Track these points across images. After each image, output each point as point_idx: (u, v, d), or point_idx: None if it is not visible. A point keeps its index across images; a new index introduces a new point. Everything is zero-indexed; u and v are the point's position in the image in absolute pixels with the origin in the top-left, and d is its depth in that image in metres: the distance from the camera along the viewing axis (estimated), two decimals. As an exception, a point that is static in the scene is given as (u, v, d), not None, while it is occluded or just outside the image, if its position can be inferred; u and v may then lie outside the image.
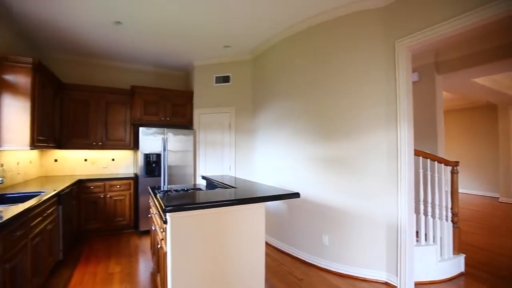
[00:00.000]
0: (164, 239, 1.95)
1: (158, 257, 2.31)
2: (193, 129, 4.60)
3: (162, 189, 3.05)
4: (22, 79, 3.02)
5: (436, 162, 2.85)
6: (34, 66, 3.06)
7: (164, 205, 1.47)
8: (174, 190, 2.86)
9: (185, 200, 1.76)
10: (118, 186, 4.16)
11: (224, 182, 2.63)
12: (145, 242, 3.88)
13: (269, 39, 3.80)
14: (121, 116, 4.50)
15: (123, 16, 3.22)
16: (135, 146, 4.57)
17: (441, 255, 2.74)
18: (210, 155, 4.50)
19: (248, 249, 1.93)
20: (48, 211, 2.62)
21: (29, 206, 2.12)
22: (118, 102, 4.48)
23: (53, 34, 3.67)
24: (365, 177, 2.72)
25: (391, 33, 2.58)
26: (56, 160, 4.40)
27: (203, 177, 3.18)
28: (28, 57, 3.02)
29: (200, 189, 2.92)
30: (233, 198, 1.76)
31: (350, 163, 2.82)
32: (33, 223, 2.24)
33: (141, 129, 4.11)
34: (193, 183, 4.49)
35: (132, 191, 4.26)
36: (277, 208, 3.62)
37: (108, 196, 4.10)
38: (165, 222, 1.76)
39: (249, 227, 1.92)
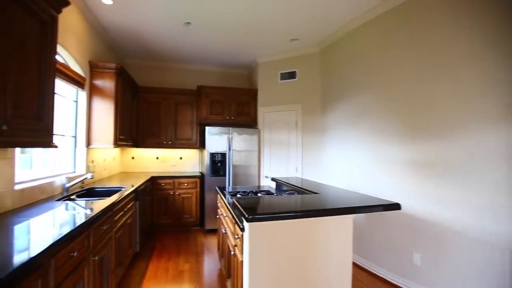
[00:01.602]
0: (238, 245, 1.80)
1: (229, 262, 2.18)
2: (257, 128, 4.47)
3: (228, 189, 2.96)
4: (107, 83, 3.28)
5: None
6: (117, 71, 3.30)
7: (246, 214, 1.29)
8: (243, 192, 2.73)
9: (267, 208, 1.56)
10: (185, 184, 4.29)
11: (299, 186, 2.38)
12: (211, 241, 3.89)
13: (343, 27, 3.41)
14: (188, 116, 4.65)
15: (192, 17, 3.25)
16: (201, 145, 4.67)
17: None
18: (275, 155, 4.31)
19: (333, 264, 1.64)
20: (128, 206, 2.76)
21: (113, 201, 2.23)
22: (186, 102, 4.64)
23: (133, 42, 3.95)
24: (474, 186, 2.15)
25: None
26: (133, 158, 4.78)
27: (273, 179, 2.99)
28: (113, 63, 3.27)
29: (271, 192, 2.73)
30: (325, 208, 1.49)
31: (452, 168, 2.27)
32: (117, 217, 2.35)
33: (207, 128, 4.16)
34: (257, 184, 4.37)
35: (198, 189, 4.35)
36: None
37: (176, 193, 4.25)
38: (242, 229, 1.60)
39: (335, 240, 1.63)
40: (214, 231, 4.17)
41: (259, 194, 2.65)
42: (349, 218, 1.66)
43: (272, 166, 4.33)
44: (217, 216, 3.01)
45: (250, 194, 2.65)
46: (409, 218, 2.56)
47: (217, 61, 4.82)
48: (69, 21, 2.72)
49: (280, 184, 2.89)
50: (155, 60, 4.77)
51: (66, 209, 1.98)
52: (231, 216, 2.04)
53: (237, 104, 4.56)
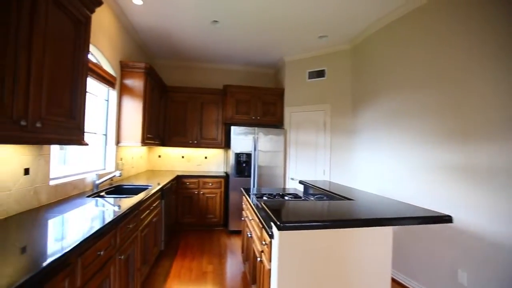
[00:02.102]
0: (265, 252, 1.70)
1: (254, 268, 2.09)
2: (283, 129, 4.35)
3: (253, 191, 2.87)
4: (136, 83, 3.34)
5: None
6: (146, 71, 3.35)
7: (278, 221, 1.19)
8: (269, 194, 2.63)
9: (300, 215, 1.45)
10: (210, 184, 4.27)
11: (330, 190, 2.23)
12: (234, 243, 3.83)
13: (378, 21, 3.20)
14: (214, 115, 4.64)
15: (219, 15, 3.21)
16: (226, 145, 4.64)
17: None
18: (302, 156, 4.16)
19: (369, 280, 1.49)
20: (154, 204, 2.77)
21: (140, 199, 2.23)
22: (211, 102, 4.64)
23: (161, 42, 4.00)
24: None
25: None
26: (159, 156, 4.86)
27: (301, 182, 2.85)
28: (142, 62, 3.32)
29: (298, 196, 2.61)
30: (367, 218, 1.35)
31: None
32: (143, 216, 2.35)
33: (232, 128, 4.11)
34: (283, 186, 4.25)
35: (222, 189, 4.32)
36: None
37: (201, 193, 4.25)
38: (271, 236, 1.50)
39: (372, 254, 1.47)
40: (237, 232, 4.11)
41: (286, 197, 2.53)
42: (388, 229, 1.50)
43: (298, 168, 4.18)
44: (242, 218, 2.93)
45: (277, 197, 2.54)
46: (455, 231, 2.31)
47: (243, 60, 4.77)
48: (101, 21, 2.79)
49: (308, 187, 2.75)
50: (182, 60, 4.82)
51: (96, 205, 2.00)
52: (257, 220, 1.95)
53: (263, 104, 4.47)
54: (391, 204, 1.69)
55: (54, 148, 2.21)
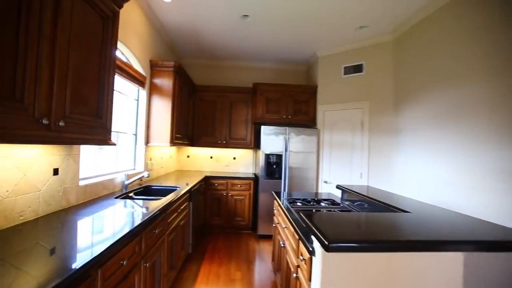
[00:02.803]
0: (302, 268, 1.49)
1: (288, 282, 1.88)
2: (316, 128, 4.08)
3: (285, 195, 2.66)
4: (165, 82, 3.29)
5: None
6: (175, 69, 3.29)
7: (326, 240, 0.98)
8: (303, 200, 2.41)
9: (350, 233, 1.21)
10: (239, 186, 4.13)
11: (375, 198, 1.95)
12: (264, 248, 3.65)
13: (425, 8, 2.81)
14: (243, 115, 4.50)
15: (250, 9, 3.04)
16: (255, 145, 4.48)
17: None
18: (336, 158, 3.86)
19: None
20: (182, 207, 2.67)
21: (168, 201, 2.13)
22: (240, 101, 4.50)
23: (190, 40, 3.94)
24: None
25: None
26: (188, 156, 4.84)
27: (338, 187, 2.59)
28: (171, 61, 3.26)
29: (336, 202, 2.35)
30: (439, 239, 1.08)
31: None
32: (170, 219, 2.25)
33: (262, 128, 3.93)
34: (315, 189, 3.98)
35: (251, 191, 4.16)
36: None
37: (229, 194, 4.13)
38: (311, 252, 1.28)
39: (436, 284, 1.19)
40: (267, 237, 3.93)
41: (322, 204, 2.29)
42: (458, 256, 1.21)
43: (332, 170, 3.89)
44: (273, 225, 2.74)
45: (312, 203, 2.31)
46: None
47: (273, 57, 4.57)
48: (131, 19, 2.76)
49: (345, 192, 2.47)
50: (211, 58, 4.74)
51: (125, 206, 1.94)
52: (292, 230, 1.74)
53: (294, 102, 4.23)
54: (459, 220, 1.38)
55: (91, 148, 2.19)
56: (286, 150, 3.91)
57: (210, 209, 4.12)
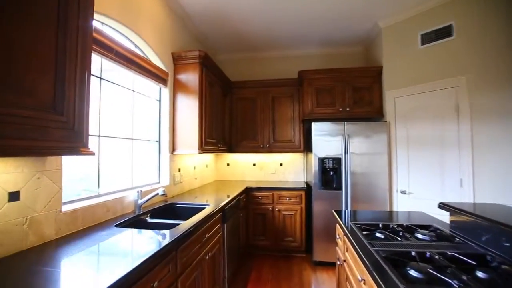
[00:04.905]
0: None
1: None
2: (385, 121, 3.09)
3: (349, 216, 1.82)
4: (190, 76, 2.75)
5: None
6: (201, 60, 2.73)
7: None
8: (383, 227, 1.55)
9: None
10: (287, 198, 3.36)
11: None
12: (322, 280, 2.79)
13: None
14: (288, 111, 3.75)
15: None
16: (306, 148, 3.68)
17: None
18: (416, 160, 2.81)
19: None
20: (210, 233, 2.03)
21: (183, 231, 1.49)
22: (284, 95, 3.77)
23: (220, 29, 3.38)
24: None
25: None
26: (228, 164, 4.27)
27: (442, 206, 1.61)
28: (195, 50, 2.72)
29: (443, 232, 1.43)
30: None
31: None
32: (190, 253, 1.62)
33: (313, 125, 3.11)
34: (388, 201, 2.98)
35: (303, 205, 3.35)
36: None
37: (276, 209, 3.39)
38: None
39: None
40: (326, 265, 3.06)
41: (420, 236, 1.40)
42: None
43: (412, 177, 2.85)
44: (337, 262, 1.90)
45: (401, 234, 1.44)
46: None
47: (320, 40, 3.72)
48: (145, 7, 2.29)
49: (456, 214, 1.51)
50: (246, 50, 4.11)
51: (113, 243, 1.35)
52: (372, 281, 0.92)
53: (352, 90, 3.32)
54: None
55: (90, 157, 1.70)
56: (346, 152, 3.01)
57: (253, 228, 3.44)
